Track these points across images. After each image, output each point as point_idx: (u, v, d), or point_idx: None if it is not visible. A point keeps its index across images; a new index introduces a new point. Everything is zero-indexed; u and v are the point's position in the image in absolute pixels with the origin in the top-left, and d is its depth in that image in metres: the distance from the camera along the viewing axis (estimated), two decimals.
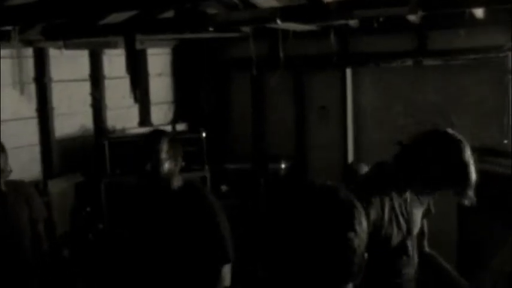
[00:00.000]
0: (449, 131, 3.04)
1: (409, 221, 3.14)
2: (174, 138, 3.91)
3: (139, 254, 3.75)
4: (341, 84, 6.69)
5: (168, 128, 6.79)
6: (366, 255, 1.62)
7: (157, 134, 3.88)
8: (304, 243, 1.56)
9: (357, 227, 1.58)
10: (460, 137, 3.00)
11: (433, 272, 3.43)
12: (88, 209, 4.08)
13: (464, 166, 2.91)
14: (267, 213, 1.67)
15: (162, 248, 3.66)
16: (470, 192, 2.93)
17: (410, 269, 3.22)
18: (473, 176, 2.91)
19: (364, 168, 5.21)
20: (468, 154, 2.93)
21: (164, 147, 3.71)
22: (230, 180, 6.74)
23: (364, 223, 1.61)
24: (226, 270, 3.67)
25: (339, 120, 6.73)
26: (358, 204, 1.63)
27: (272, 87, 6.88)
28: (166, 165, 3.69)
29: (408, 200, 3.16)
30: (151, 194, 3.82)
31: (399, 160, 3.07)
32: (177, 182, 3.77)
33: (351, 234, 1.57)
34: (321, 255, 1.56)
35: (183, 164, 3.87)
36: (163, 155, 3.68)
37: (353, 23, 6.03)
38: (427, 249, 3.49)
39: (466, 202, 2.96)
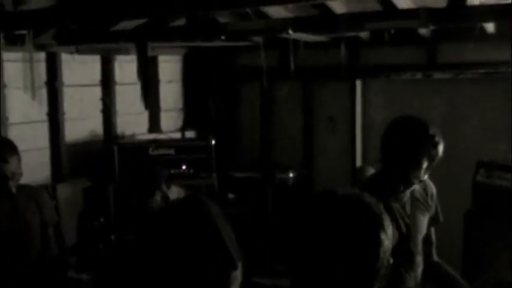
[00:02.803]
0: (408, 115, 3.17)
1: (409, 226, 3.14)
2: None
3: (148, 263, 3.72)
4: (350, 95, 6.70)
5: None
6: (391, 259, 1.63)
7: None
8: (336, 248, 1.56)
9: (387, 229, 1.60)
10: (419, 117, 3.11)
11: (441, 281, 3.42)
12: (102, 219, 4.04)
13: (426, 129, 2.98)
14: (291, 221, 1.67)
15: None
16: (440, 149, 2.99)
17: (415, 274, 3.22)
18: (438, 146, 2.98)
19: (371, 172, 5.23)
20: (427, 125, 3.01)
21: None
22: (237, 189, 6.76)
23: (391, 227, 1.62)
24: (235, 275, 3.67)
25: (348, 131, 6.74)
26: (383, 209, 1.64)
27: (281, 97, 6.91)
28: None
29: (408, 205, 3.17)
30: None
31: (382, 159, 3.18)
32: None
33: (383, 236, 1.58)
34: (353, 257, 1.56)
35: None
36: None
37: (364, 35, 6.06)
38: (435, 257, 3.47)
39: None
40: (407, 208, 3.16)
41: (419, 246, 3.26)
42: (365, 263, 1.58)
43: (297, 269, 1.64)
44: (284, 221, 1.66)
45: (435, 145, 2.99)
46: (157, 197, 3.62)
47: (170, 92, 7.31)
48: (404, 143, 3.05)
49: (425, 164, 3.02)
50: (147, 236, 3.46)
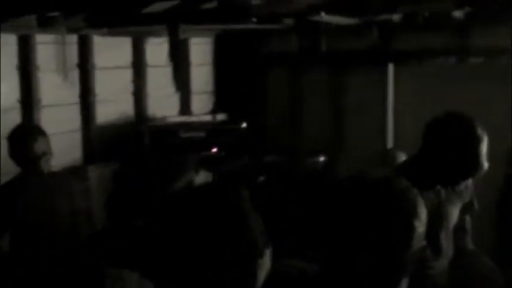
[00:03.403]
0: (465, 117, 3.07)
1: (439, 213, 3.09)
2: None
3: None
4: (382, 80, 6.63)
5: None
6: (424, 242, 1.61)
7: None
8: (368, 233, 1.54)
9: (421, 215, 1.57)
10: (475, 124, 3.04)
11: (476, 270, 3.38)
12: (131, 203, 4.02)
13: (475, 149, 2.91)
14: (321, 207, 1.65)
15: None
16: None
17: (441, 261, 3.16)
18: (484, 162, 2.95)
19: (402, 156, 5.17)
20: (480, 138, 2.94)
21: None
22: (267, 172, 6.74)
23: (424, 211, 1.60)
24: (261, 262, 3.65)
25: (379, 116, 6.68)
26: (418, 193, 1.61)
27: (311, 81, 6.87)
28: None
29: (443, 193, 3.12)
30: None
31: (421, 150, 3.12)
32: None
33: (417, 222, 1.56)
34: (386, 243, 1.54)
35: None
36: None
37: (396, 18, 5.98)
38: (470, 246, 3.43)
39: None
40: (442, 195, 3.12)
41: (450, 235, 3.21)
42: (396, 251, 1.55)
43: (328, 256, 1.62)
44: (314, 206, 1.63)
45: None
46: (182, 183, 3.61)
47: (201, 75, 7.30)
48: (459, 160, 2.99)
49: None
50: (168, 221, 3.45)
